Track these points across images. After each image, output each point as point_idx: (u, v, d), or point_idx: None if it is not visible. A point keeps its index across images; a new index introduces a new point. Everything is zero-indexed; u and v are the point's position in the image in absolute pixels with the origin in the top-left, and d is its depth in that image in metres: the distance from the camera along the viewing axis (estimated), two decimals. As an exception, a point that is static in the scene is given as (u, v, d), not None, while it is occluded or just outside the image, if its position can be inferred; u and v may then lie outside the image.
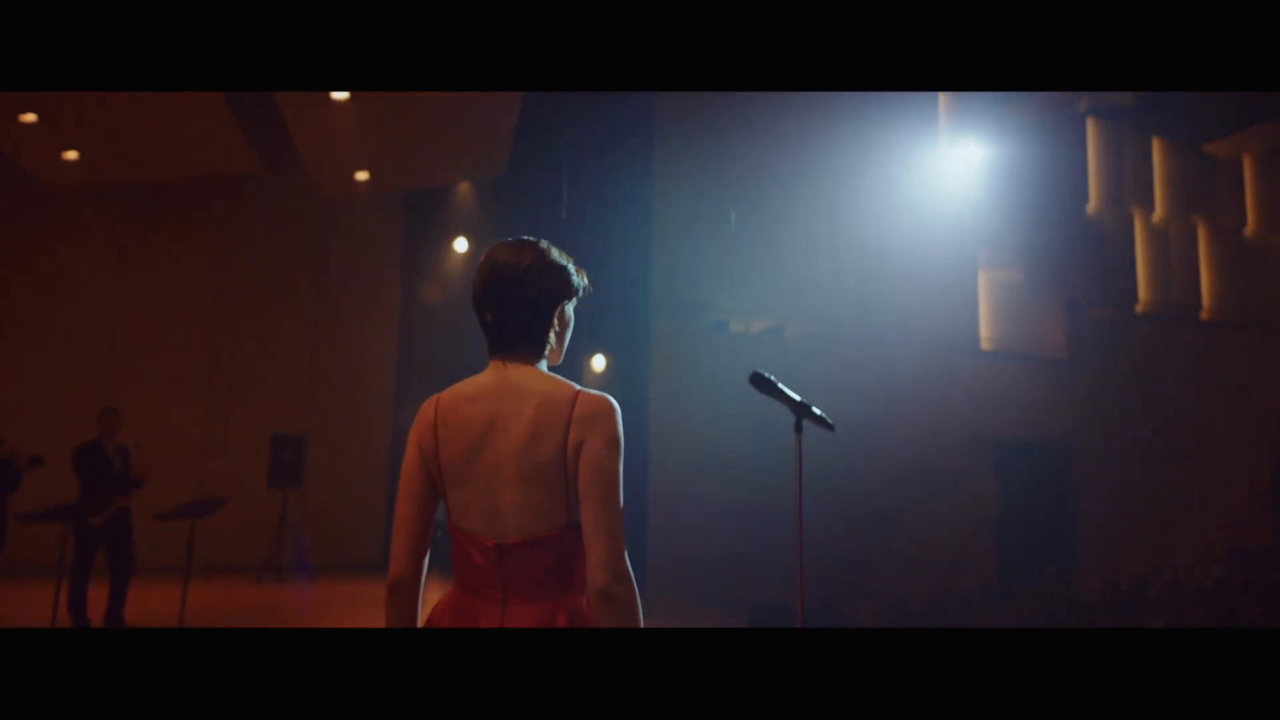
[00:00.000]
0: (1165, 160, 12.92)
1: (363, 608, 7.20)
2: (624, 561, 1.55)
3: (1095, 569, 9.56)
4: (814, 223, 9.63)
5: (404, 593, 1.67)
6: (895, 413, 9.44)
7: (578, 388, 1.65)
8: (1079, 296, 11.47)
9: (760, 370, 2.44)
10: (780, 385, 2.43)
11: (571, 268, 1.75)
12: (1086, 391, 10.84)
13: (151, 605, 6.24)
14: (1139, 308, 12.14)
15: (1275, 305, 12.87)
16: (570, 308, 1.76)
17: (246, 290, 9.71)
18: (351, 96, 7.10)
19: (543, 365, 1.72)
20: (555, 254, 1.73)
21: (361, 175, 8.76)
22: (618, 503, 1.57)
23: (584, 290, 1.80)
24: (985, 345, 11.00)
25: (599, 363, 9.74)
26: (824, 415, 2.47)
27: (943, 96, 11.33)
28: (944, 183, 10.58)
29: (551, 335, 1.72)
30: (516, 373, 1.66)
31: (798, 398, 2.44)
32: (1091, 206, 12.19)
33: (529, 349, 1.68)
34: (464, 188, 9.99)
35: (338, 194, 9.18)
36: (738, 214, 9.24)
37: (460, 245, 10.24)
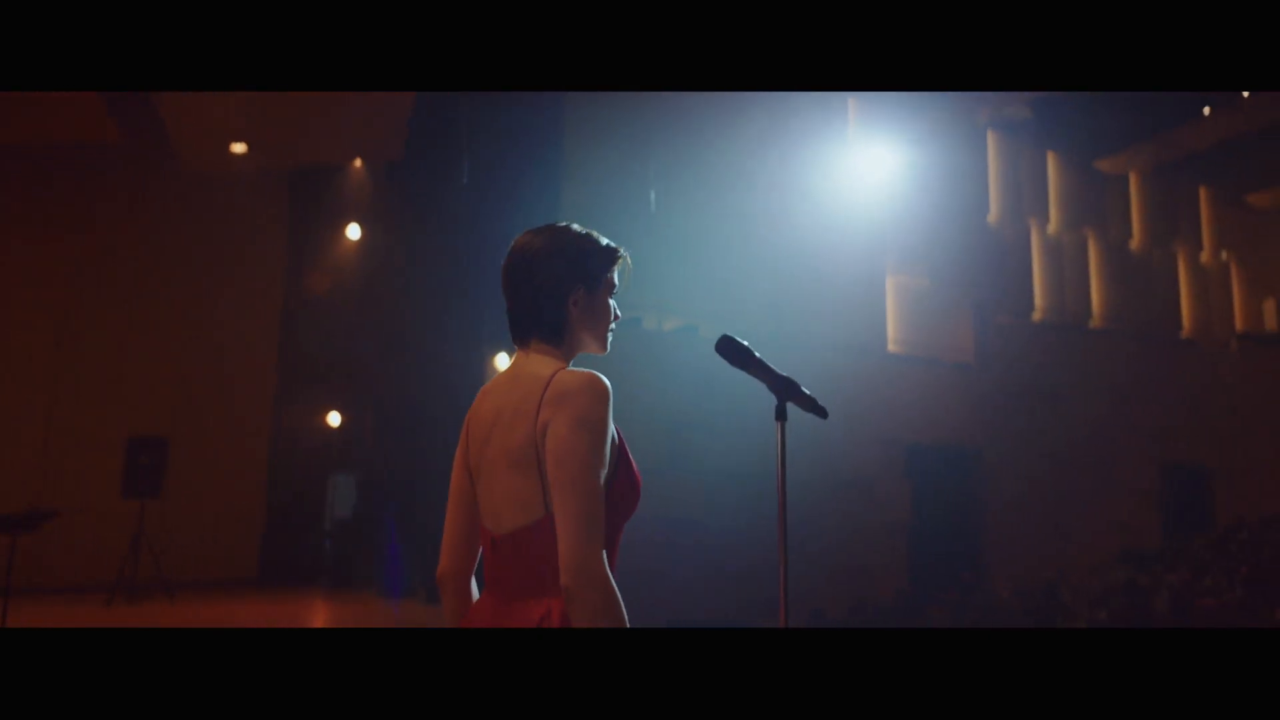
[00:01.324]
0: (1059, 174, 13.40)
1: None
2: (593, 560, 1.43)
3: (1005, 574, 9.65)
4: (727, 222, 9.53)
5: (448, 588, 1.68)
6: (806, 416, 9.29)
7: (564, 367, 1.58)
8: (983, 303, 11.71)
9: (732, 335, 1.81)
10: (758, 355, 1.82)
11: (595, 254, 1.67)
12: (993, 396, 11.04)
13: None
14: (1036, 316, 12.51)
15: (1158, 316, 13.53)
16: (595, 295, 1.66)
17: (102, 273, 8.66)
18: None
19: (559, 355, 1.62)
20: (577, 238, 1.66)
21: (238, 148, 7.96)
22: (587, 492, 1.46)
23: (610, 278, 1.69)
24: (893, 348, 11.10)
25: (503, 361, 9.18)
26: (813, 396, 1.86)
27: (852, 102, 11.42)
28: (853, 187, 10.68)
29: (572, 324, 1.63)
30: (529, 362, 1.61)
31: (781, 372, 1.83)
32: (992, 216, 12.51)
33: (543, 338, 1.62)
34: (357, 167, 9.23)
35: (210, 168, 8.32)
36: (655, 201, 8.91)
37: (353, 232, 9.49)
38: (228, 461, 8.91)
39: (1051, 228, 13.03)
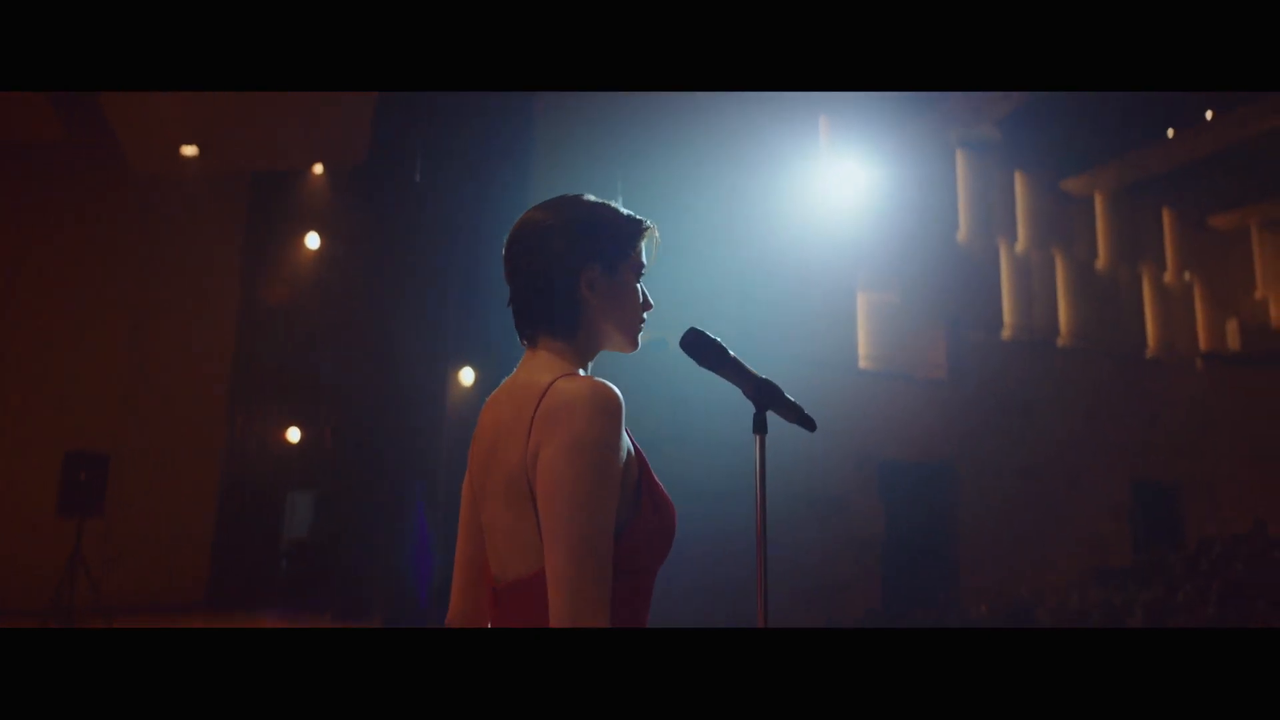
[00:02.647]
0: (1027, 194, 13.52)
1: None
2: (592, 623, 1.13)
3: (979, 593, 9.54)
4: (696, 236, 9.43)
5: None
6: (777, 432, 9.22)
7: (566, 374, 1.27)
8: (954, 319, 11.74)
9: (700, 328, 1.45)
10: (733, 354, 1.47)
11: (612, 224, 1.37)
12: (965, 412, 11.00)
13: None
14: (1005, 333, 12.56)
15: (1124, 334, 13.66)
16: (616, 276, 1.36)
17: (41, 278, 8.25)
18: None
19: (572, 355, 1.33)
20: (590, 207, 1.37)
21: (189, 150, 7.64)
22: (582, 539, 1.14)
23: (636, 256, 1.38)
24: (864, 364, 11.05)
25: (467, 376, 8.90)
26: (799, 404, 1.52)
27: (823, 118, 11.44)
28: (824, 203, 10.68)
29: (589, 313, 1.34)
30: (534, 365, 1.32)
31: (759, 375, 1.49)
32: (961, 234, 12.57)
33: (553, 332, 1.33)
34: (318, 173, 8.93)
35: (160, 170, 7.98)
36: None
37: (312, 241, 9.17)
38: (174, 479, 8.49)
39: (1020, 246, 13.13)
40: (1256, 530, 10.76)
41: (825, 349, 10.39)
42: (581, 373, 1.32)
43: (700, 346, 1.42)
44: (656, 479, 1.30)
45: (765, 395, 1.45)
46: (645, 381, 8.41)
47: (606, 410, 1.20)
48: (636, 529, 1.23)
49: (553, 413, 1.20)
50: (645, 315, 1.41)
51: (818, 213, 10.48)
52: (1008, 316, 12.60)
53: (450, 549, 1.43)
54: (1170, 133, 12.77)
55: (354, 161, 8.57)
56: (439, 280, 8.38)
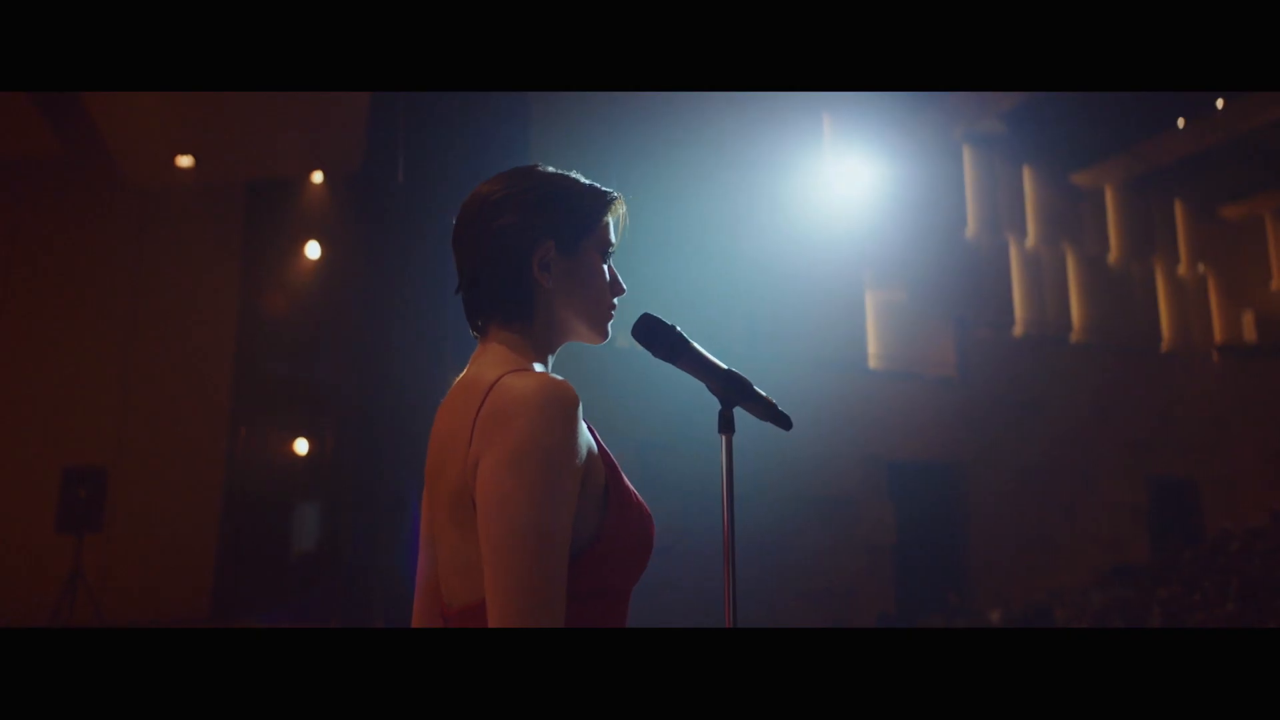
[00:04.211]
0: (1035, 188, 13.37)
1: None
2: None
3: (994, 595, 9.39)
4: (702, 236, 9.35)
5: None
6: (786, 433, 9.13)
7: (515, 369, 1.10)
8: (963, 317, 11.62)
9: (655, 314, 1.25)
10: (695, 345, 1.27)
11: (570, 196, 1.20)
12: (976, 410, 10.86)
13: None
14: (1016, 330, 12.41)
15: (1137, 329, 13.48)
16: (576, 255, 1.19)
17: (38, 294, 8.21)
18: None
19: (527, 346, 1.17)
20: (544, 178, 1.20)
21: (184, 161, 7.58)
22: (526, 562, 0.99)
23: (601, 232, 1.21)
24: (873, 363, 10.93)
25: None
26: (772, 400, 1.33)
27: (826, 116, 11.34)
28: (829, 201, 10.58)
29: (545, 297, 1.17)
30: (483, 360, 1.16)
31: (725, 367, 1.30)
32: (969, 230, 12.44)
33: (502, 322, 1.17)
34: (316, 181, 8.86)
35: (155, 182, 7.93)
36: (635, 220, 8.66)
37: (313, 250, 9.10)
38: (176, 493, 8.42)
39: (1029, 241, 12.98)
40: (1275, 525, 10.57)
41: (834, 349, 10.30)
42: (538, 368, 1.14)
43: (654, 335, 1.23)
44: (629, 487, 1.14)
45: (732, 390, 1.27)
46: (646, 387, 8.33)
47: (557, 410, 1.03)
48: (601, 545, 1.07)
49: (495, 415, 1.04)
50: (616, 301, 1.24)
51: (823, 212, 10.38)
52: (1019, 312, 12.46)
53: None
54: (1180, 122, 12.58)
55: (350, 168, 8.51)
56: (439, 286, 8.30)
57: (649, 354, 1.24)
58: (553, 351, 1.21)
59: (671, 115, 9.33)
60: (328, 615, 8.37)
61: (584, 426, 1.09)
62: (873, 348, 11.03)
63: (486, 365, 1.14)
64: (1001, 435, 10.82)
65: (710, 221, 9.52)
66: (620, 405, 7.83)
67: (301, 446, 9.48)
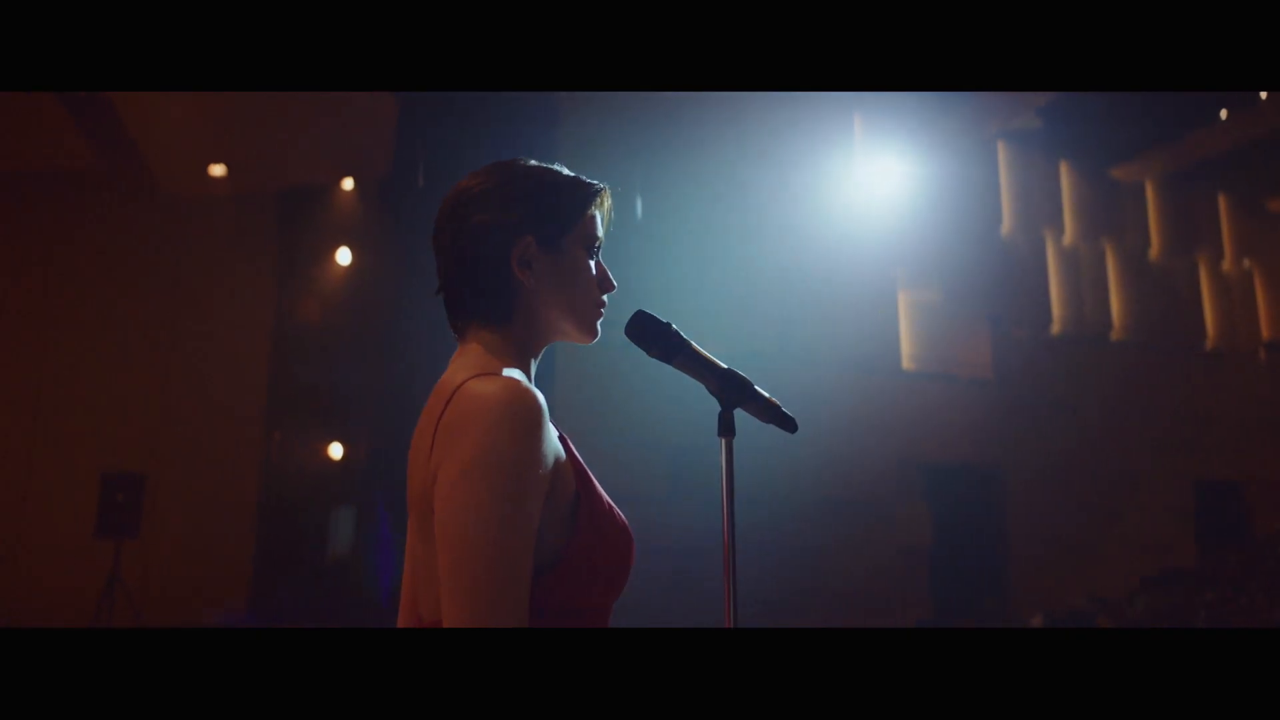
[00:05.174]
0: (1072, 184, 13.10)
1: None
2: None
3: (1032, 601, 9.21)
4: (731, 238, 9.29)
5: None
6: (820, 436, 9.08)
7: (484, 372, 1.06)
8: (999, 317, 11.43)
9: (649, 311, 1.21)
10: (692, 344, 1.22)
11: (552, 189, 1.15)
12: (1013, 412, 10.68)
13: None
14: (1054, 328, 12.17)
15: (1181, 326, 13.16)
16: (557, 251, 1.13)
17: (77, 304, 8.39)
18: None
19: (507, 349, 1.12)
20: (524, 171, 1.16)
21: (217, 170, 7.69)
22: (480, 581, 0.93)
23: (586, 226, 1.16)
24: (908, 365, 10.79)
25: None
26: (775, 401, 1.29)
27: (857, 114, 11.22)
28: (860, 200, 10.45)
29: (526, 296, 1.12)
30: (458, 361, 1.14)
31: (722, 365, 1.25)
32: (1004, 228, 12.22)
33: (481, 322, 1.14)
34: (346, 186, 8.94)
35: (190, 191, 8.06)
36: (664, 221, 8.64)
37: (344, 257, 9.18)
38: (212, 498, 8.55)
39: (1067, 238, 12.72)
40: (1328, 528, 10.26)
41: (867, 351, 10.17)
42: (513, 372, 1.08)
43: (647, 333, 1.17)
44: (605, 499, 1.09)
45: (732, 391, 1.21)
46: (677, 390, 8.28)
47: (517, 417, 0.98)
48: (571, 561, 1.02)
49: (454, 423, 1.00)
50: (606, 299, 1.19)
51: (855, 211, 10.26)
52: (1056, 311, 12.22)
53: None
54: (1223, 114, 12.26)
55: (379, 174, 8.58)
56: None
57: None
58: (536, 353, 1.17)
59: (699, 116, 9.27)
60: (363, 617, 8.43)
61: (552, 434, 1.05)
62: (906, 349, 10.89)
63: (459, 368, 1.10)
64: (1039, 437, 10.62)
65: (739, 223, 9.45)
66: (645, 405, 7.79)
67: (336, 451, 9.57)
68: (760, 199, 9.66)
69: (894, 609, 9.03)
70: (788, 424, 1.26)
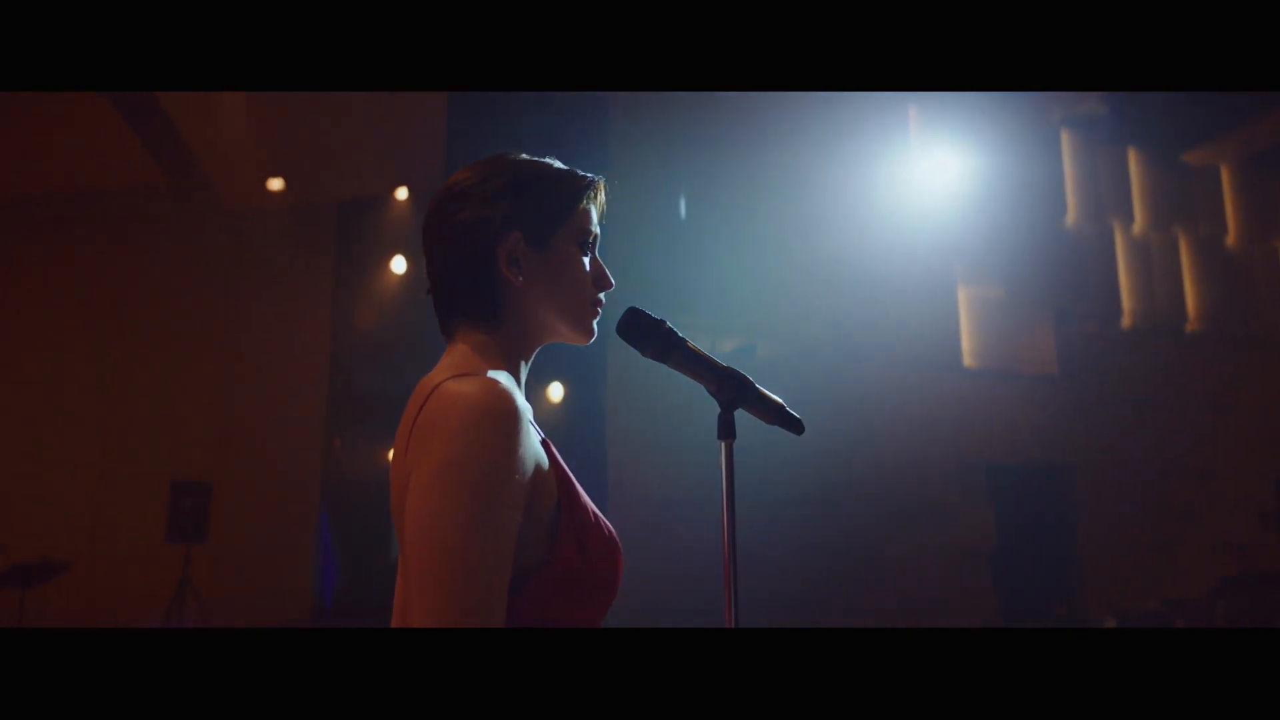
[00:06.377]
0: (1141, 171, 12.63)
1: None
2: None
3: (1105, 605, 8.93)
4: (784, 235, 9.19)
5: None
6: (879, 437, 8.93)
7: (462, 373, 1.03)
8: (1064, 311, 11.09)
9: (642, 309, 1.16)
10: (689, 343, 1.18)
11: (542, 182, 1.11)
12: (1081, 410, 10.35)
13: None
14: (1125, 322, 11.76)
15: (1260, 316, 12.58)
16: (547, 248, 1.10)
17: (145, 318, 8.73)
18: (244, 94, 6.33)
19: (496, 350, 1.08)
20: (514, 165, 1.12)
21: (275, 184, 7.90)
22: (448, 590, 0.87)
23: (579, 221, 1.11)
24: (969, 362, 10.54)
25: (556, 392, 8.89)
26: (779, 401, 1.24)
27: (913, 107, 10.99)
28: (917, 194, 10.24)
29: (515, 294, 1.08)
30: (442, 363, 1.12)
31: (721, 364, 1.21)
32: (1069, 219, 11.85)
33: (470, 322, 1.12)
34: (400, 196, 9.11)
35: (250, 205, 8.31)
36: (716, 220, 8.60)
37: (398, 265, 9.35)
38: (277, 504, 8.82)
39: (1136, 228, 12.27)
40: None
41: (927, 348, 9.99)
42: (498, 374, 1.05)
43: (639, 332, 1.14)
44: (591, 508, 1.05)
45: (731, 391, 1.19)
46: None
47: (490, 419, 0.94)
48: (550, 573, 0.98)
49: (427, 426, 0.98)
50: (603, 297, 1.16)
51: (912, 206, 10.07)
52: (1126, 303, 11.80)
53: None
54: (1304, 93, 11.70)
55: (431, 182, 8.70)
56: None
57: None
58: (527, 355, 1.14)
59: (752, 114, 9.20)
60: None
61: (533, 439, 1.01)
62: (967, 346, 10.64)
63: (440, 369, 1.09)
64: (1110, 434, 10.27)
65: (794, 220, 9.35)
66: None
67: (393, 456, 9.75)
68: (814, 196, 9.54)
69: (958, 611, 8.85)
70: (793, 425, 1.22)
